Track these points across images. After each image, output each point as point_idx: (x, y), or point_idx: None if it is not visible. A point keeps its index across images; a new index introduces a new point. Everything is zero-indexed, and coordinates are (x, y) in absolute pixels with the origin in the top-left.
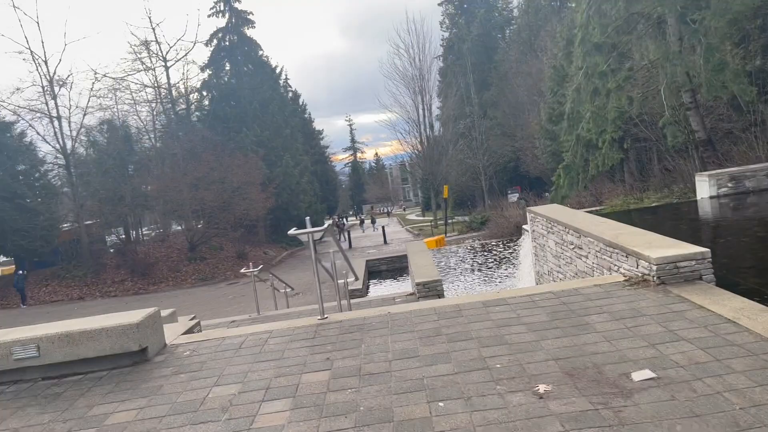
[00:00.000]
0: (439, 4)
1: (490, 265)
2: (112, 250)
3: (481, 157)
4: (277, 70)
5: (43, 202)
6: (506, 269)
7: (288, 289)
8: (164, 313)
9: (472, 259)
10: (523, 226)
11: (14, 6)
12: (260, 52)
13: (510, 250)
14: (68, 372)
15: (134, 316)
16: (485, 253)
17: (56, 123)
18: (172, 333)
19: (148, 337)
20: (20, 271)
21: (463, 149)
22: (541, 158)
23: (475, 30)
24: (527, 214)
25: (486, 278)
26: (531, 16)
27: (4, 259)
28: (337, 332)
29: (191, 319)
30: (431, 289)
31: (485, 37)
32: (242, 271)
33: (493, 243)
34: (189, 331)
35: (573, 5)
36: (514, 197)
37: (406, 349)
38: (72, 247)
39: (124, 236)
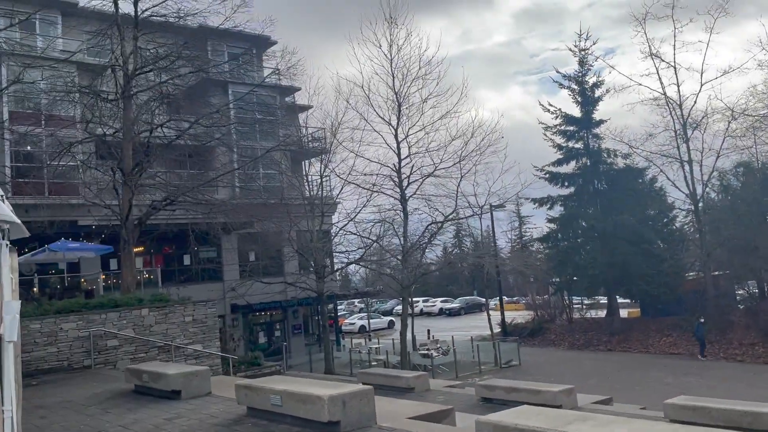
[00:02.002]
0: None
1: None
2: (740, 307)
3: None
4: None
5: (668, 248)
6: None
7: None
8: None
9: None
10: None
11: (652, 55)
12: None
13: None
14: None
15: None
16: None
17: (686, 167)
18: None
19: None
20: (701, 320)
21: None
22: None
23: None
24: None
25: None
26: None
27: (629, 301)
28: None
29: None
30: None
31: None
32: None
33: None
34: None
35: None
36: None
37: None
38: (696, 298)
39: (756, 292)
